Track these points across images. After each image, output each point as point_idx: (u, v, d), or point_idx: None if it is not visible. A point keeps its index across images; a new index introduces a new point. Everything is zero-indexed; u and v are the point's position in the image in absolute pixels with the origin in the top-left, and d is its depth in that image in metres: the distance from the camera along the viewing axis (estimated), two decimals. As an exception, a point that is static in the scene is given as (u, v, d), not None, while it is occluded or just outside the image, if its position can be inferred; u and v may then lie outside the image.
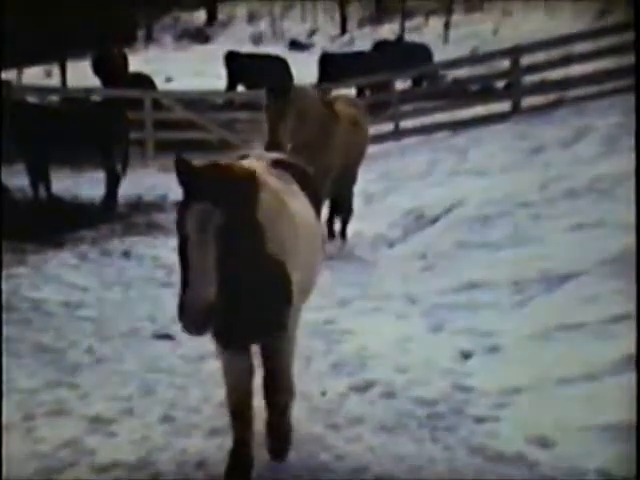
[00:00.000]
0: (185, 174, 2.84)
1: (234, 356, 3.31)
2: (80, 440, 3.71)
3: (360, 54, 18.29)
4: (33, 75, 18.46)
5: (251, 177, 2.96)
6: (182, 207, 2.84)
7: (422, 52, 17.88)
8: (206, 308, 2.72)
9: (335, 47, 24.03)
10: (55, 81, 18.48)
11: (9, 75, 15.38)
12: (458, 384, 4.30)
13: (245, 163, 3.32)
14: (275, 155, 3.89)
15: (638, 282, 3.85)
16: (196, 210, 2.79)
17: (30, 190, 9.40)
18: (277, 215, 3.13)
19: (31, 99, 12.13)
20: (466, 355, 4.68)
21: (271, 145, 6.14)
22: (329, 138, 6.93)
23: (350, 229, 7.87)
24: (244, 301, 3.00)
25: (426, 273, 6.45)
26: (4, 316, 5.45)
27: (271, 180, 3.29)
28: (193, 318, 2.72)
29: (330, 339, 5.12)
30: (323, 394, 4.28)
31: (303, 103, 6.65)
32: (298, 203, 3.45)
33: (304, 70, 18.04)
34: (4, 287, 6.04)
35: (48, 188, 9.42)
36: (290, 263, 3.17)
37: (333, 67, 16.60)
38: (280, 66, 17.70)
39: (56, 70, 18.79)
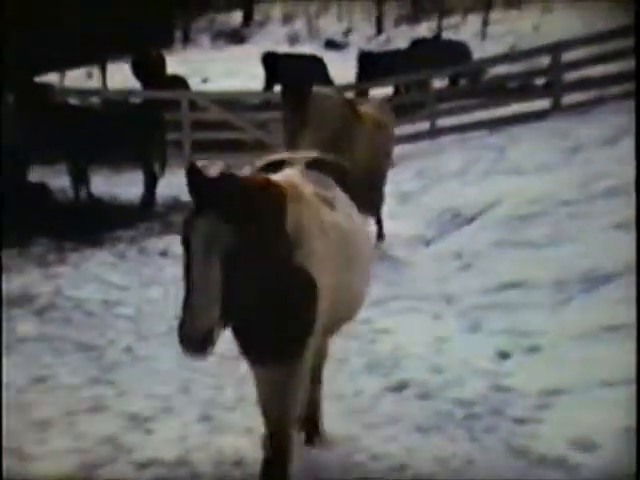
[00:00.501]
0: (197, 183, 2.58)
1: (256, 367, 3.09)
2: (119, 437, 3.77)
3: (398, 52, 18.21)
4: (75, 77, 18.78)
5: (275, 190, 2.75)
6: (187, 222, 2.57)
7: (460, 50, 17.72)
8: (205, 335, 2.50)
9: (371, 46, 23.94)
10: (96, 83, 18.79)
11: (52, 78, 15.68)
12: (496, 385, 4.25)
13: (278, 174, 3.07)
14: (310, 154, 3.66)
15: (638, 291, 3.76)
16: (202, 226, 2.53)
17: (71, 190, 9.57)
18: (307, 226, 2.87)
19: (73, 101, 12.34)
20: (504, 355, 4.62)
21: (290, 150, 6.03)
22: (352, 140, 6.77)
23: (385, 228, 7.83)
24: (264, 314, 2.78)
25: (463, 273, 6.39)
26: (46, 314, 5.60)
27: (306, 187, 3.05)
28: (191, 345, 2.50)
29: (365, 339, 5.11)
30: (358, 394, 4.27)
31: (323, 105, 6.51)
32: (337, 211, 3.16)
33: (340, 69, 18.03)
34: (47, 287, 6.18)
35: (88, 188, 9.58)
36: (321, 278, 2.89)
37: (371, 65, 16.55)
38: (317, 65, 17.70)
39: (97, 72, 19.11)
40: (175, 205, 9.70)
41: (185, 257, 2.60)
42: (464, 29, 24.75)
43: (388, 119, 7.64)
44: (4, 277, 6.45)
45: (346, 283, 3.12)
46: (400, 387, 4.33)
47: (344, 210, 3.25)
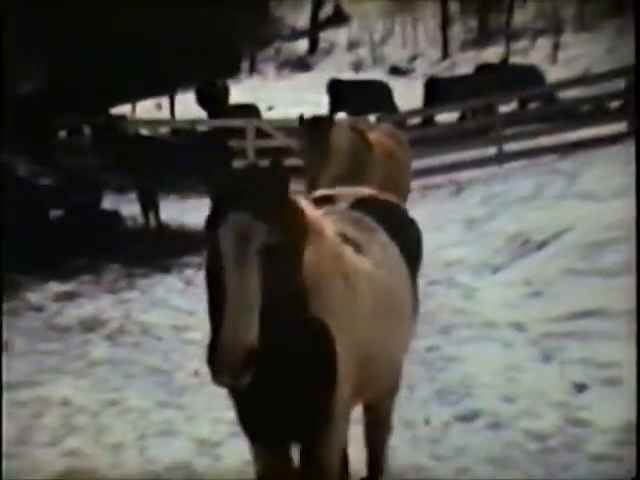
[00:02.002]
0: (227, 176, 2.32)
1: (265, 452, 2.58)
2: (189, 462, 3.79)
3: (466, 78, 18.12)
4: (146, 109, 19.40)
5: (303, 219, 2.34)
6: (213, 218, 2.20)
7: (530, 74, 17.46)
8: (246, 354, 2.05)
9: (436, 72, 23.92)
10: (165, 113, 19.36)
11: (125, 109, 16.27)
12: (572, 418, 4.09)
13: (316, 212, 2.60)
14: (364, 191, 3.24)
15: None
16: (234, 220, 2.14)
17: (141, 217, 9.82)
18: (328, 274, 2.42)
19: (143, 132, 12.72)
20: (580, 387, 4.44)
21: (310, 189, 5.56)
22: (361, 170, 6.42)
23: (451, 254, 7.71)
24: (274, 376, 2.28)
25: (533, 300, 6.22)
26: (117, 339, 5.73)
27: (329, 226, 2.60)
28: (228, 365, 2.04)
29: (433, 366, 5.01)
30: (426, 423, 4.18)
31: (338, 136, 6.28)
32: (367, 256, 2.71)
33: (405, 95, 18.03)
34: (118, 312, 6.33)
35: (157, 216, 9.80)
36: (341, 332, 2.42)
37: (437, 91, 16.51)
38: (382, 92, 17.75)
39: (166, 102, 19.70)
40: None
41: (209, 262, 2.23)
42: (533, 53, 24.40)
43: (399, 147, 7.26)
44: (78, 302, 6.65)
45: (376, 339, 2.64)
46: (471, 416, 4.22)
47: (378, 256, 2.79)
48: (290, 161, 12.49)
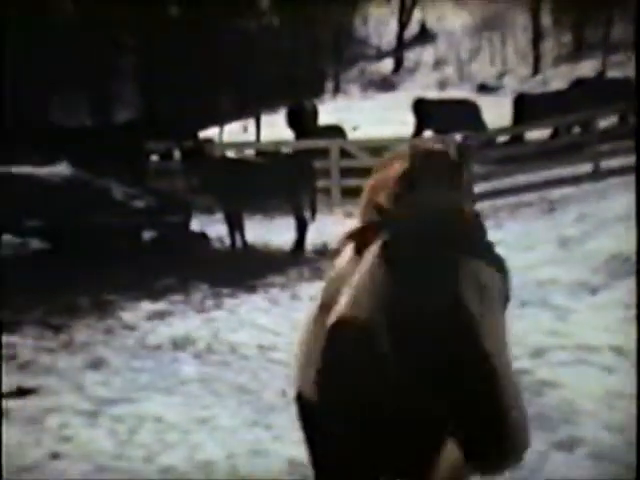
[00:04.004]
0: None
1: None
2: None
3: (558, 93, 17.61)
4: (232, 131, 19.84)
5: None
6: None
7: (630, 87, 16.78)
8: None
9: (526, 88, 23.38)
10: (251, 135, 19.74)
11: (212, 132, 16.70)
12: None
13: None
14: None
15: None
16: (478, 273, 1.79)
17: (227, 238, 9.97)
18: None
19: (230, 154, 13.00)
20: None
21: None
22: None
23: (544, 274, 7.42)
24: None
25: (636, 324, 5.87)
26: (206, 357, 5.79)
27: None
28: (520, 445, 1.69)
29: (529, 390, 4.78)
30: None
31: None
32: None
33: (494, 113, 17.69)
34: (207, 331, 6.40)
35: (243, 236, 9.93)
36: None
37: (528, 108, 16.10)
38: (470, 110, 17.49)
39: (252, 125, 20.11)
40: (325, 251, 9.80)
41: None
42: (632, 66, 23.47)
43: None
44: (168, 321, 6.78)
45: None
46: (570, 445, 3.98)
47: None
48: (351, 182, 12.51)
